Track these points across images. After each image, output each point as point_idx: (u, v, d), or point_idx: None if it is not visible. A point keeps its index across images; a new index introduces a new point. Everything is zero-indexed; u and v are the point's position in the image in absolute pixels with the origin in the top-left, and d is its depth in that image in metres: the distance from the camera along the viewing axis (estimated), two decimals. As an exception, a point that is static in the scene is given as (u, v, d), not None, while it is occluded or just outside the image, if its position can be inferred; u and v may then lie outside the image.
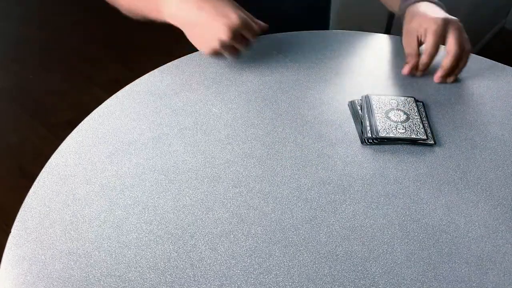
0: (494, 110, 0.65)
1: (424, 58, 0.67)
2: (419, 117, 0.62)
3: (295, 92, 0.67)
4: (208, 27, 0.63)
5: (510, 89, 0.70)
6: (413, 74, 0.70)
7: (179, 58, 0.73)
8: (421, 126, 0.60)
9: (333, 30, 0.83)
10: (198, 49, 0.67)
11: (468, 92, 0.69)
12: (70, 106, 1.88)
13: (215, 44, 0.64)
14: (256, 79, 0.69)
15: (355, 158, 0.57)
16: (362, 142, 0.59)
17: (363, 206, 0.51)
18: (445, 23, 0.65)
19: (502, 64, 0.75)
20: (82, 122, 0.61)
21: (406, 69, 0.69)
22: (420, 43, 0.68)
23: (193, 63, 0.72)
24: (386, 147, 0.58)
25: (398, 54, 0.76)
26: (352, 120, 0.63)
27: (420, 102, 0.65)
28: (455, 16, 0.68)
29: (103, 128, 0.60)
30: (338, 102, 0.66)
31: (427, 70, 0.69)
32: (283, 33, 0.81)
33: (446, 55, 0.66)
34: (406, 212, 0.51)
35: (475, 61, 0.75)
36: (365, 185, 0.54)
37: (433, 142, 0.59)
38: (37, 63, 2.18)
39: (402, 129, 0.59)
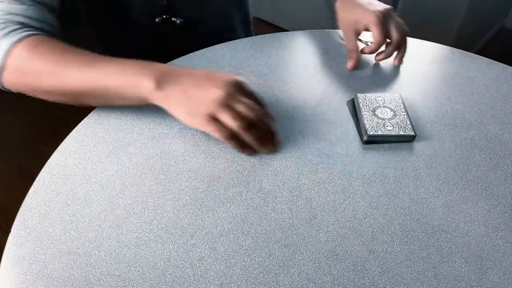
0: (494, 110, 0.65)
1: (372, 46, 0.70)
2: (405, 113, 0.62)
3: (295, 92, 0.67)
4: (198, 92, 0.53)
5: (510, 89, 0.70)
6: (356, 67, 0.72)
7: (178, 58, 0.73)
8: (408, 122, 0.60)
9: (333, 30, 0.83)
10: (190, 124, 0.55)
11: (468, 92, 0.69)
12: (70, 106, 1.88)
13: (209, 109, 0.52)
14: (256, 79, 0.69)
15: (355, 158, 0.57)
16: (363, 142, 0.59)
17: (363, 206, 0.51)
18: (384, 15, 0.68)
19: (502, 64, 0.75)
20: (82, 122, 0.62)
21: (350, 64, 0.72)
22: (357, 35, 0.72)
23: (193, 63, 0.72)
24: (386, 146, 0.59)
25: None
26: (351, 119, 0.63)
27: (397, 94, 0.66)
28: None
29: (103, 128, 0.60)
30: (337, 101, 0.66)
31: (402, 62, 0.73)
32: (281, 32, 0.81)
33: (389, 43, 0.71)
34: (406, 212, 0.51)
35: (475, 61, 0.75)
36: (365, 185, 0.54)
37: (414, 134, 0.59)
38: (37, 63, 2.18)
39: (390, 126, 0.59)
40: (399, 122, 0.60)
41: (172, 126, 0.61)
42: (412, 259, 0.46)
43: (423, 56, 0.77)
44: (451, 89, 0.69)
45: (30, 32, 0.57)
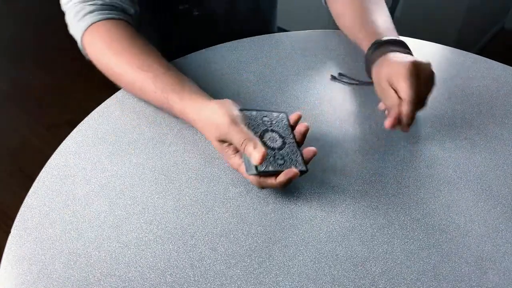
0: (494, 110, 0.66)
1: (405, 108, 0.54)
2: (294, 140, 0.53)
3: (295, 92, 0.67)
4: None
5: (510, 89, 0.70)
6: (401, 129, 0.57)
7: (178, 58, 0.73)
8: (298, 153, 0.52)
9: (333, 30, 0.83)
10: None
11: (468, 92, 0.69)
12: (70, 106, 1.88)
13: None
14: (256, 79, 0.69)
15: (355, 158, 0.57)
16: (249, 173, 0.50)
17: (363, 206, 0.51)
18: (415, 66, 0.55)
19: (502, 64, 0.75)
20: (82, 122, 0.62)
21: (388, 123, 0.55)
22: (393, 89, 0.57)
23: (193, 63, 0.72)
24: (386, 147, 0.58)
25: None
26: (351, 119, 0.63)
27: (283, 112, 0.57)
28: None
29: (103, 128, 0.60)
30: (337, 101, 0.66)
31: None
32: (281, 33, 0.81)
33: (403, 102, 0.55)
34: (406, 212, 0.51)
35: (475, 61, 0.75)
36: (365, 185, 0.54)
37: (306, 170, 0.51)
38: (37, 63, 2.18)
39: (281, 159, 0.50)
40: (290, 154, 0.51)
41: (172, 126, 0.61)
42: (412, 259, 0.46)
43: (423, 56, 0.77)
44: (451, 89, 0.69)
45: (101, 17, 0.63)
